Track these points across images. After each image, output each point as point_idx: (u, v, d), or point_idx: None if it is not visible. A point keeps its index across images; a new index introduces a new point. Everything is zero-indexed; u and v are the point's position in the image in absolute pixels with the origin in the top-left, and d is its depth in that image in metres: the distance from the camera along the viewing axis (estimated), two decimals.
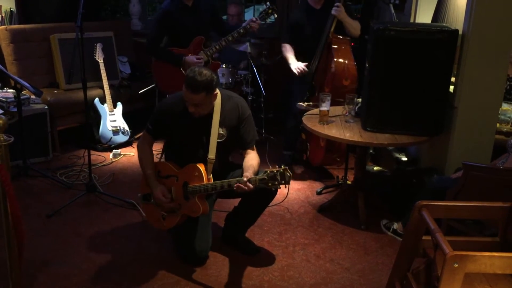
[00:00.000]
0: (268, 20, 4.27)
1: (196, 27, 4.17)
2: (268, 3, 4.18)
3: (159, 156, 4.25)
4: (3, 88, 4.49)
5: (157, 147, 4.10)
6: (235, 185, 2.69)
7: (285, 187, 2.70)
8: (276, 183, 2.62)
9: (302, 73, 4.12)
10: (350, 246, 3.31)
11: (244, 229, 3.23)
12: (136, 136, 4.97)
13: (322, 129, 3.46)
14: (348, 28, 4.09)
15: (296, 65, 4.14)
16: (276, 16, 4.31)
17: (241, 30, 4.15)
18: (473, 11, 3.24)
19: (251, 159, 2.94)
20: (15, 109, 4.07)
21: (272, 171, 2.62)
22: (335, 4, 3.97)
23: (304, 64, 4.13)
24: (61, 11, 5.43)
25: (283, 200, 3.86)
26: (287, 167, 2.63)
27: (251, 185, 2.65)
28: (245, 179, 2.66)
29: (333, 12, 3.98)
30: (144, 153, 3.08)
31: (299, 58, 4.22)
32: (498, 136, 3.47)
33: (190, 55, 4.15)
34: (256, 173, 2.77)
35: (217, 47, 4.21)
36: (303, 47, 4.26)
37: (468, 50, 3.31)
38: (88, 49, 4.62)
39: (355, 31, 4.12)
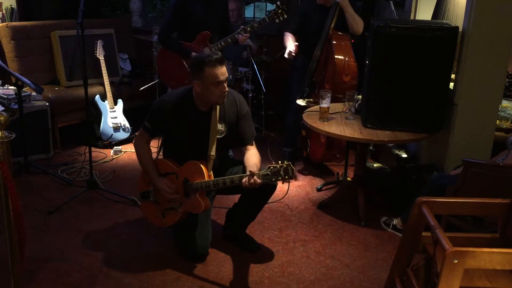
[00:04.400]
0: (276, 21, 4.03)
1: (206, 20, 4.13)
2: (278, 2, 3.98)
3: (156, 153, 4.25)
4: (4, 85, 4.50)
5: (153, 144, 4.10)
6: (243, 181, 2.66)
7: (288, 183, 2.70)
8: (280, 178, 2.61)
9: (291, 54, 4.08)
10: (350, 242, 3.32)
11: (244, 225, 3.24)
12: (137, 133, 4.97)
13: (322, 126, 3.46)
14: (350, 22, 4.01)
15: (287, 51, 4.09)
16: (285, 17, 4.00)
17: (229, 39, 4.08)
18: (473, 8, 3.24)
19: (252, 155, 2.93)
20: (16, 106, 4.08)
21: (276, 167, 2.61)
22: None
23: (295, 45, 4.08)
24: (61, 8, 5.44)
25: (283, 197, 3.86)
26: (290, 162, 2.61)
27: (258, 180, 2.63)
28: (251, 170, 2.65)
29: None
30: (143, 150, 3.08)
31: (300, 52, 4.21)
32: (497, 132, 3.48)
33: (195, 52, 4.14)
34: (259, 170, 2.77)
35: (218, 46, 4.18)
36: (306, 40, 4.25)
37: (468, 47, 3.31)
38: (88, 46, 4.62)
39: (357, 26, 4.04)
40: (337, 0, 3.93)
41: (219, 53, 2.84)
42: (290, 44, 4.13)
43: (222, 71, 2.78)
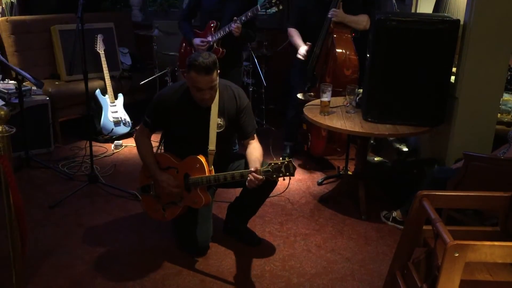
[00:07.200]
0: (269, 11, 3.99)
1: (217, 11, 4.08)
2: None
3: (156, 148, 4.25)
4: (5, 80, 4.50)
5: (154, 138, 4.10)
6: (247, 179, 2.65)
7: (289, 178, 2.70)
8: (281, 175, 2.61)
9: (305, 56, 4.08)
10: (350, 236, 3.32)
11: (245, 219, 3.24)
12: (137, 127, 4.97)
13: (323, 119, 3.46)
14: (353, 26, 4.05)
15: (302, 52, 4.08)
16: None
17: (222, 32, 4.01)
18: (474, 1, 3.23)
19: (254, 149, 2.93)
20: (17, 101, 4.08)
21: (276, 163, 2.61)
22: (331, 9, 3.93)
23: (308, 45, 4.06)
24: (61, 2, 5.43)
25: (284, 191, 3.87)
26: (291, 159, 2.62)
27: (260, 177, 2.62)
28: (253, 169, 2.64)
29: (329, 16, 3.94)
30: (144, 145, 3.07)
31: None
32: (499, 126, 3.47)
33: (198, 39, 4.14)
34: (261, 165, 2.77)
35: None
36: (307, 34, 4.23)
37: (469, 40, 3.30)
38: (89, 40, 4.62)
39: (362, 26, 4.05)
40: (331, 19, 3.93)
41: (214, 59, 2.74)
42: (302, 46, 4.10)
43: (206, 80, 2.72)
